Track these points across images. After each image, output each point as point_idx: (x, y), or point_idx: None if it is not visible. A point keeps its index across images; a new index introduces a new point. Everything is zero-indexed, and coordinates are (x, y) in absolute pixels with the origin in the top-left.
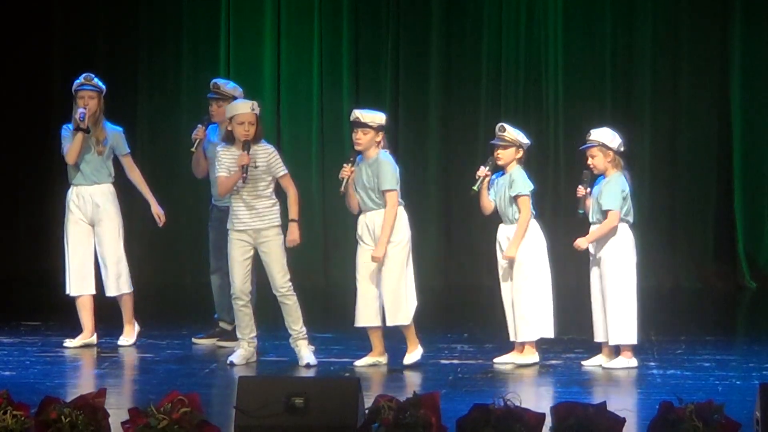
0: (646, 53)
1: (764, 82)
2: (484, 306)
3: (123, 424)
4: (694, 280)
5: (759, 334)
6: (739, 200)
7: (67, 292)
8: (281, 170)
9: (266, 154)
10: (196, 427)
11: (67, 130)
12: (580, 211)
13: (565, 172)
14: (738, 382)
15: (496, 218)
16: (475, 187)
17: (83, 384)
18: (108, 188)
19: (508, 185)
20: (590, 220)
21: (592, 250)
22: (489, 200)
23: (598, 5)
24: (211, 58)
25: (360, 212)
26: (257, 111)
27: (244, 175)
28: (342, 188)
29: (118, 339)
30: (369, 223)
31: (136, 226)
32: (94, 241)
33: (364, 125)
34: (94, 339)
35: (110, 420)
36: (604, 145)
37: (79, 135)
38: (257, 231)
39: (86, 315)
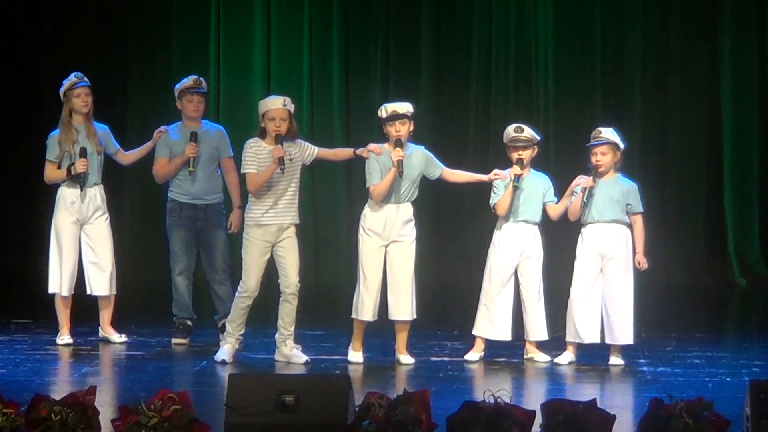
0: (636, 52)
1: (753, 79)
2: (475, 303)
3: (113, 421)
4: (684, 277)
5: (749, 331)
6: (729, 198)
7: (57, 291)
8: (313, 150)
9: (295, 146)
10: (187, 424)
11: (53, 139)
12: (585, 201)
13: (556, 171)
14: (728, 379)
15: (486, 216)
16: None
17: (73, 382)
18: (102, 188)
19: (621, 192)
20: (596, 218)
21: (595, 250)
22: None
23: (587, 4)
24: (201, 54)
25: (382, 204)
26: (290, 107)
27: (282, 166)
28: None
29: (107, 338)
30: (397, 216)
31: (124, 223)
32: (79, 243)
33: (404, 116)
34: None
35: (100, 418)
36: (616, 145)
37: (64, 176)
38: (280, 228)
39: (67, 314)
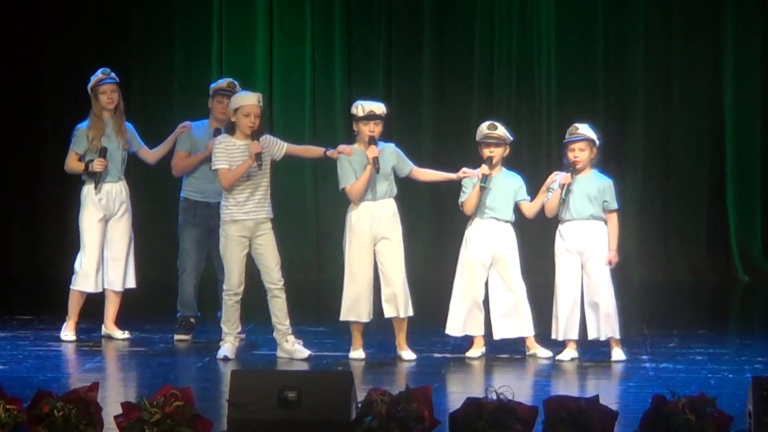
0: (638, 47)
1: (756, 75)
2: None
3: (116, 418)
4: (686, 274)
5: (751, 327)
6: (732, 193)
7: (82, 288)
8: (283, 145)
9: (265, 142)
10: (189, 420)
11: (81, 132)
12: (564, 197)
13: (559, 167)
14: (730, 376)
15: None
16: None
17: (76, 378)
18: (126, 184)
19: (596, 189)
20: (573, 216)
21: (574, 247)
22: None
23: (590, 3)
24: (204, 53)
25: (363, 201)
26: (262, 104)
27: (259, 162)
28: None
29: (110, 335)
30: (382, 212)
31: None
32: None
33: (380, 117)
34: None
35: (103, 414)
36: (593, 141)
37: (82, 169)
38: (256, 223)
39: (79, 309)
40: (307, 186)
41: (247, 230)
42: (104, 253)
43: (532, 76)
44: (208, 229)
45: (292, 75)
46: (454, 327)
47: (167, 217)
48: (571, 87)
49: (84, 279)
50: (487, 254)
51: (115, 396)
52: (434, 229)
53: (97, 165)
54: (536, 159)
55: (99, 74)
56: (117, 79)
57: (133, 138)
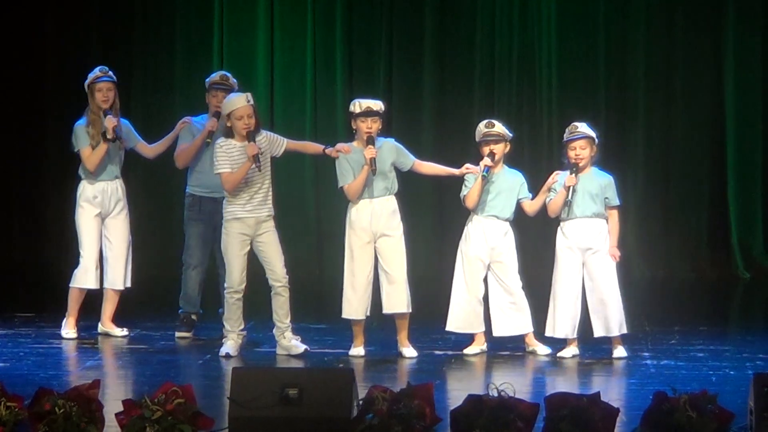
0: (639, 45)
1: (757, 72)
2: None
3: (117, 415)
4: (687, 271)
5: (752, 324)
6: (733, 190)
7: (82, 285)
8: (282, 141)
9: (264, 139)
10: (190, 418)
11: (81, 129)
12: (569, 200)
13: (559, 165)
14: (732, 373)
15: None
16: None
17: (77, 375)
18: (122, 182)
19: (600, 188)
20: (576, 214)
21: (576, 245)
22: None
23: None
24: (205, 49)
25: (362, 198)
26: (252, 102)
27: (258, 164)
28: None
29: (107, 332)
30: (381, 209)
31: (130, 216)
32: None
33: (377, 113)
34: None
35: (104, 411)
36: (593, 139)
37: (104, 145)
38: (258, 221)
39: (78, 306)
40: (307, 184)
41: (248, 228)
42: (104, 251)
43: (533, 74)
44: (213, 225)
45: (293, 72)
46: (454, 323)
47: (169, 214)
48: (572, 84)
49: (83, 275)
50: (486, 251)
51: (116, 393)
52: (434, 226)
53: (109, 123)
54: (537, 157)
55: (96, 72)
56: (114, 78)
57: (129, 134)
